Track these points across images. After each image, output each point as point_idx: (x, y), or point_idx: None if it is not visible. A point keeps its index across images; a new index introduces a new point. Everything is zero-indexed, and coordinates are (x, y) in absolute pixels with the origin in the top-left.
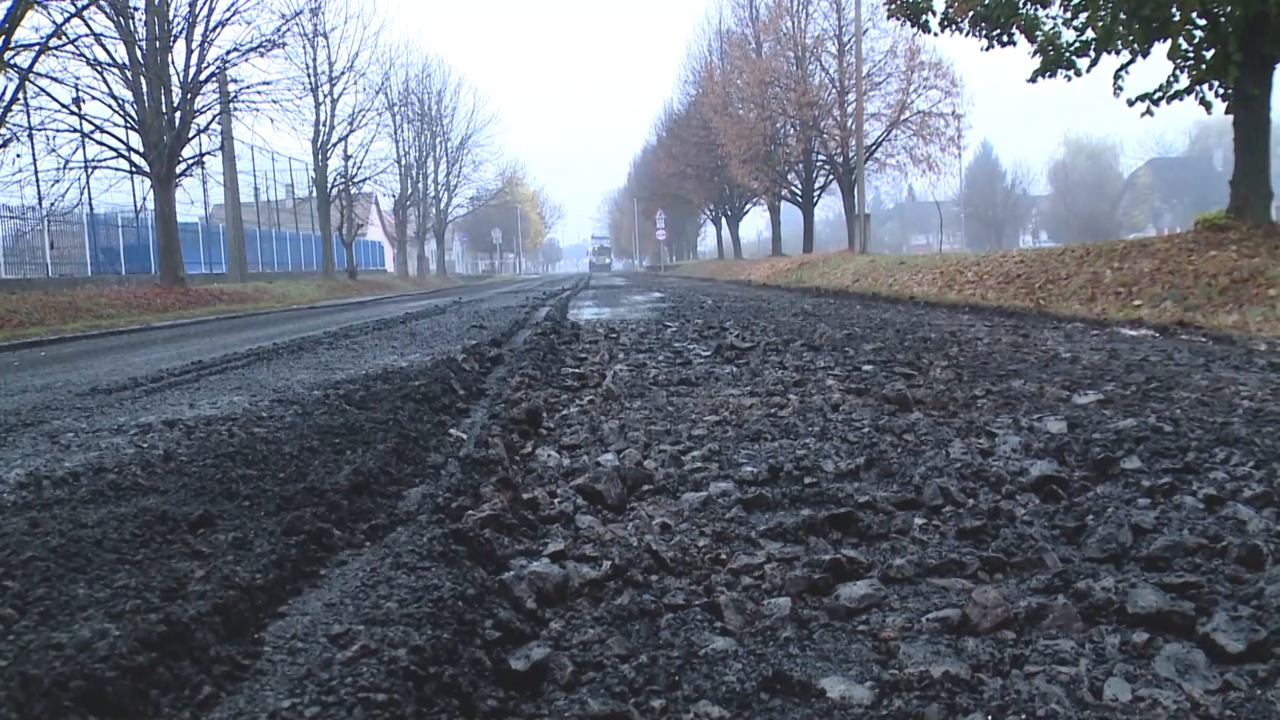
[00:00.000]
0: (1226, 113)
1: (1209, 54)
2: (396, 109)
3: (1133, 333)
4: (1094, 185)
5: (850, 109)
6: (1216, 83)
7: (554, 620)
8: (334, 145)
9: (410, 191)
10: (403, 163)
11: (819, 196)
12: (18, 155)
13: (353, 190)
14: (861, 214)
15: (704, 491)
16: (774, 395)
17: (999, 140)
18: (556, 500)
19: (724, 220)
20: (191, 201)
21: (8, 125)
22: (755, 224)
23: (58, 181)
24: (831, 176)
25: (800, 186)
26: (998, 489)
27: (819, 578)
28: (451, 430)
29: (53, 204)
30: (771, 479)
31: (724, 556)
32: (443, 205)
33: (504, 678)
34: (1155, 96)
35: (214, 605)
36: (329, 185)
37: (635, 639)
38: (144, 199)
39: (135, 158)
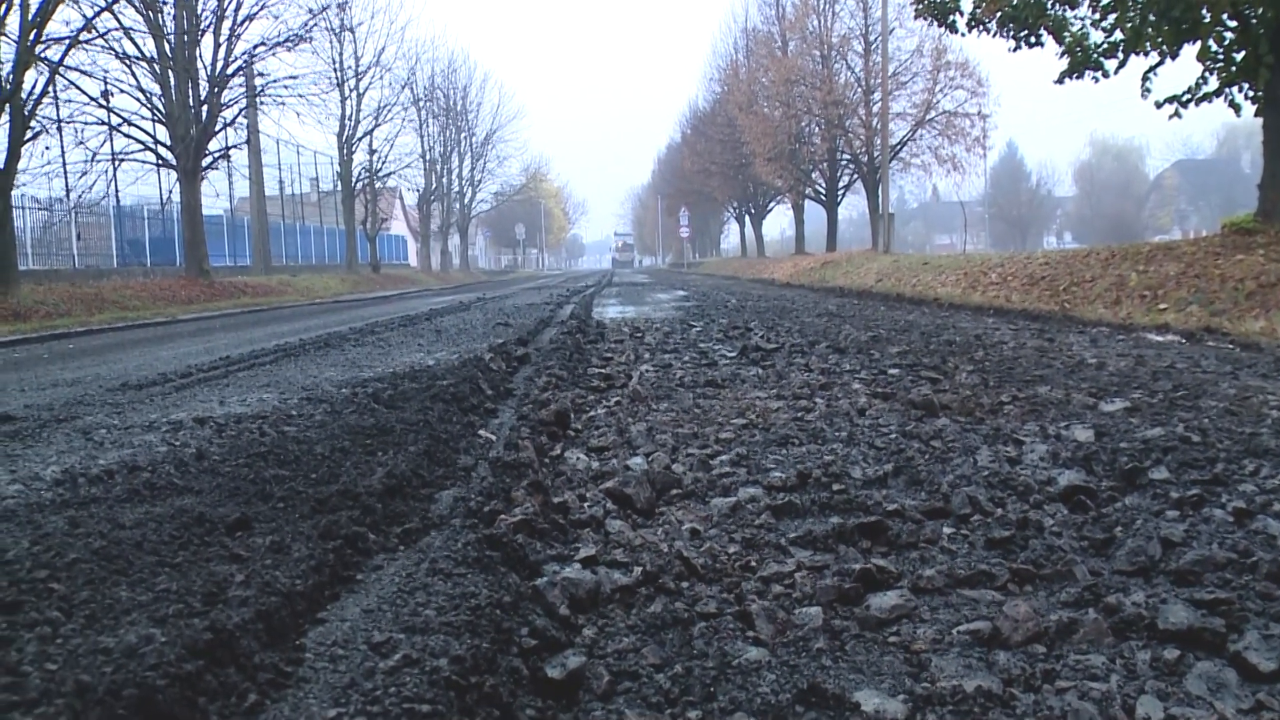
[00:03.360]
0: (1256, 115)
1: (1239, 56)
2: (422, 104)
3: (1159, 338)
4: (1120, 187)
5: (876, 108)
6: (1246, 85)
7: (587, 627)
8: (359, 139)
9: (434, 186)
10: (427, 158)
11: (843, 195)
12: (46, 148)
13: (377, 184)
14: (886, 213)
15: (733, 497)
16: (800, 399)
17: (1024, 140)
18: (586, 504)
19: (747, 218)
20: (217, 194)
21: (38, 118)
22: (779, 222)
23: (85, 174)
24: (856, 175)
25: (824, 185)
26: (1026, 498)
27: (849, 587)
28: (481, 431)
29: (80, 196)
30: (800, 485)
31: (754, 564)
32: (466, 200)
33: (541, 686)
34: (1184, 99)
35: (256, 612)
36: (354, 179)
37: (669, 648)
38: (170, 191)
39: (162, 150)
